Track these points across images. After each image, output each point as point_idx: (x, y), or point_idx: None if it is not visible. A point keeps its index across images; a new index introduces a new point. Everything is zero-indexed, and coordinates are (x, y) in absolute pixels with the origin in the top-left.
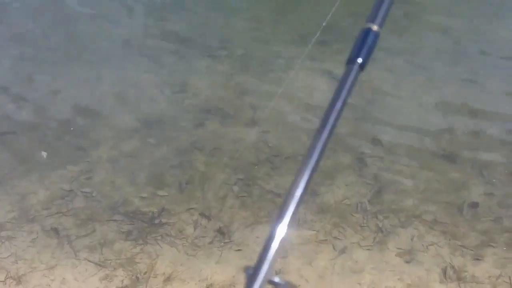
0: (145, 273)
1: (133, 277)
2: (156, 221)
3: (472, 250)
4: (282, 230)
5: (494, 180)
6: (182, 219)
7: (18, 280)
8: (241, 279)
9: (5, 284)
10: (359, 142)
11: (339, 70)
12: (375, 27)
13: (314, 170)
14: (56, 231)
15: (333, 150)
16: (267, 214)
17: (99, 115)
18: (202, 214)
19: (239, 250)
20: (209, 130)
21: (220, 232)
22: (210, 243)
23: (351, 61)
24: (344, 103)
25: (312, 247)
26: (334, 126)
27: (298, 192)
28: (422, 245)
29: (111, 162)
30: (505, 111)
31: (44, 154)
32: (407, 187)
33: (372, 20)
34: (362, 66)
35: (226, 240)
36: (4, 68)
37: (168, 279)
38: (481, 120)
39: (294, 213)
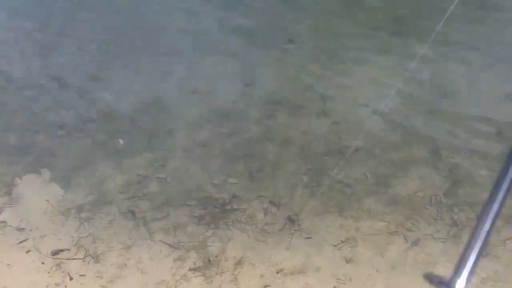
0: (216, 256)
1: (205, 259)
2: (227, 207)
3: None
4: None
5: None
6: (252, 206)
7: (96, 258)
8: (311, 266)
9: (84, 261)
10: (434, 135)
11: (413, 63)
12: None
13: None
14: (132, 213)
15: (407, 142)
16: (337, 204)
17: (173, 105)
18: (272, 202)
19: (308, 238)
20: (279, 121)
21: (290, 219)
22: (280, 230)
23: None
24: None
25: (384, 238)
26: (501, 205)
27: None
28: (499, 240)
29: (184, 151)
30: None
31: (121, 141)
32: (483, 179)
33: None
34: None
35: (296, 228)
36: (86, 60)
37: (238, 262)
38: None
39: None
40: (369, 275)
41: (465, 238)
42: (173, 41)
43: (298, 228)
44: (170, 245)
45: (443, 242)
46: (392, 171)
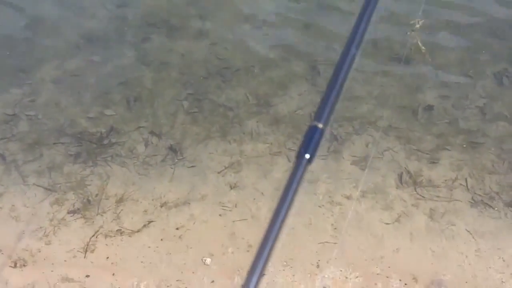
0: (96, 195)
1: (84, 200)
2: (105, 142)
3: (427, 154)
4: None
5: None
6: (132, 138)
7: None
8: (196, 196)
9: None
10: (312, 49)
11: None
12: (320, 125)
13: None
14: (2, 157)
15: (286, 59)
16: (220, 128)
17: (39, 33)
18: (152, 132)
19: (192, 166)
20: (156, 44)
21: (172, 149)
22: (162, 161)
23: (300, 156)
24: (295, 193)
25: (267, 160)
26: (286, 215)
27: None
28: (377, 151)
29: (54, 83)
30: None
31: None
32: (361, 93)
33: (318, 119)
34: (310, 160)
35: (179, 157)
36: None
37: (120, 200)
38: None
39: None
40: (254, 199)
41: (345, 153)
42: None
43: (181, 157)
44: (46, 188)
45: (324, 159)
46: (273, 90)
